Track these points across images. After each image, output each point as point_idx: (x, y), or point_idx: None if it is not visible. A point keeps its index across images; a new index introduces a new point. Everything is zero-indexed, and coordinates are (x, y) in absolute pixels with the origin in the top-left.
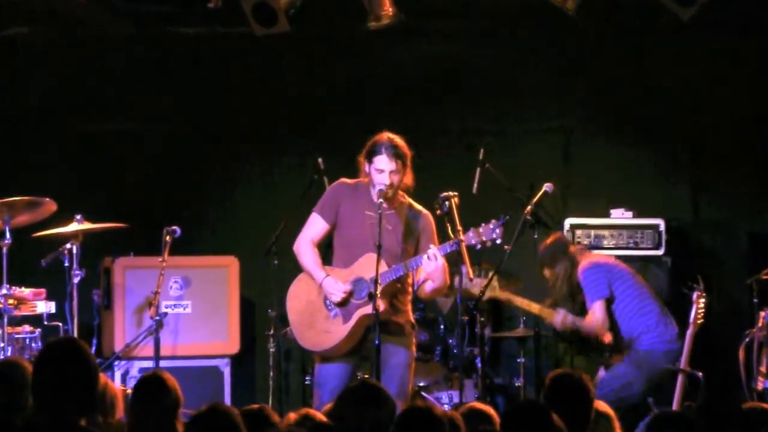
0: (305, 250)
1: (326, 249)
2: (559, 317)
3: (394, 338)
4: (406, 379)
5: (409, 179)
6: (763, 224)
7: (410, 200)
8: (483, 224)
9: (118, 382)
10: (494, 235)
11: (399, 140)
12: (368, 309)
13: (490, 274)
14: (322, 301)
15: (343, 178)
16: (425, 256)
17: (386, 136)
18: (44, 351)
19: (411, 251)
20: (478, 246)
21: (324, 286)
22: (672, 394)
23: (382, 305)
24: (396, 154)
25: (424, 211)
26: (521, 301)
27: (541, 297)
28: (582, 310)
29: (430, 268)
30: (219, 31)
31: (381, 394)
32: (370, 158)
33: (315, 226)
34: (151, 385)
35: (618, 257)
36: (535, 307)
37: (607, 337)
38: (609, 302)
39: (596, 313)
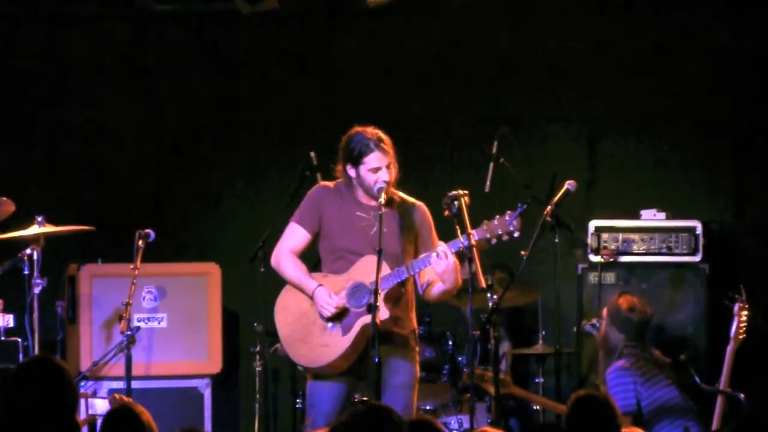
0: (287, 262)
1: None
2: None
3: (397, 352)
4: (411, 402)
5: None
6: None
7: (400, 194)
8: (497, 216)
9: (83, 407)
10: (511, 228)
11: (377, 130)
12: (377, 317)
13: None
14: (317, 311)
15: (322, 182)
16: (434, 255)
17: (361, 130)
18: (18, 372)
19: (411, 251)
20: (494, 241)
21: (315, 298)
22: (711, 417)
23: (386, 313)
24: (387, 147)
25: (418, 203)
26: (543, 401)
27: (563, 310)
28: None
29: (441, 267)
30: (198, 9)
31: (392, 417)
32: (358, 160)
33: (294, 237)
34: (121, 421)
35: (649, 264)
36: (559, 408)
37: None
38: (635, 416)
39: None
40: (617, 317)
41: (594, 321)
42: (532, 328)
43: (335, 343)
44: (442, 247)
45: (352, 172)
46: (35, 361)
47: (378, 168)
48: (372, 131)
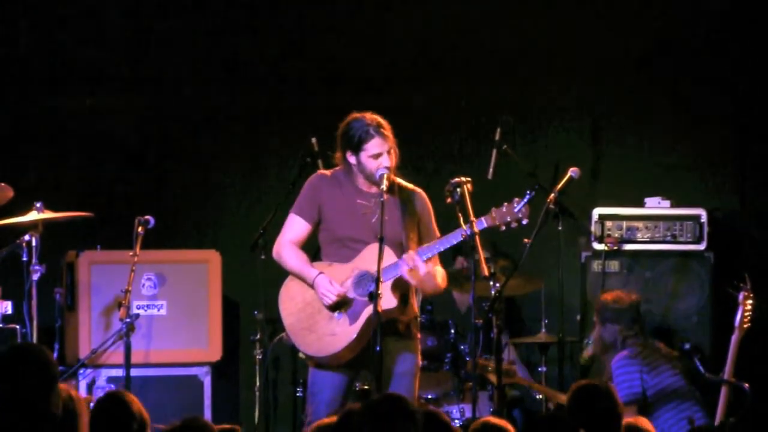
0: (287, 252)
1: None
2: None
3: (401, 342)
4: (413, 389)
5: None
6: None
7: (400, 180)
8: (505, 203)
9: (84, 394)
10: (520, 215)
11: (376, 115)
12: (381, 305)
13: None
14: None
15: (320, 170)
16: (404, 266)
17: (360, 116)
18: None
19: (415, 237)
20: (502, 228)
21: (316, 286)
22: (715, 406)
23: (393, 301)
24: (386, 131)
25: (417, 189)
26: (545, 390)
27: (567, 298)
28: None
29: (414, 280)
30: None
31: (407, 406)
32: (358, 147)
33: (294, 228)
34: (110, 411)
35: (654, 252)
36: (561, 398)
37: None
38: (641, 404)
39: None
40: (606, 312)
41: (587, 339)
42: (522, 318)
43: (343, 332)
44: (410, 253)
45: (352, 159)
46: (15, 348)
47: (379, 154)
48: (371, 116)
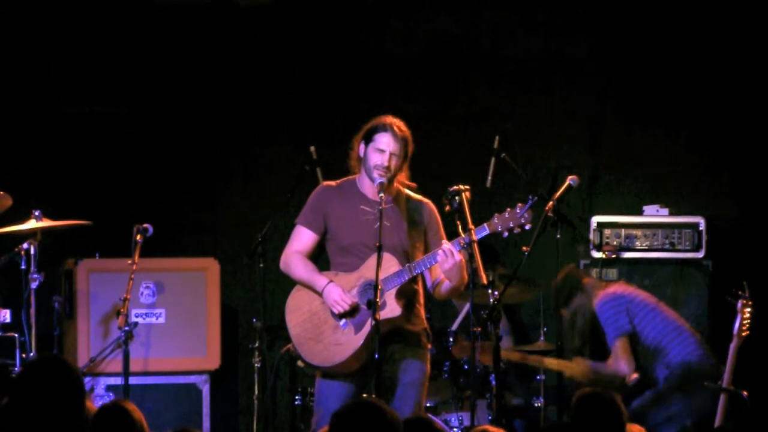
0: (295, 262)
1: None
2: (581, 368)
3: (408, 351)
4: (421, 399)
5: (405, 174)
6: None
7: (407, 191)
8: (508, 209)
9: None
10: (522, 220)
11: (404, 126)
12: (384, 314)
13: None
14: (328, 310)
15: (325, 181)
16: (440, 252)
17: (391, 118)
18: (26, 371)
19: (421, 247)
20: (505, 234)
21: (326, 294)
22: (713, 415)
23: (397, 309)
24: (401, 137)
25: (425, 200)
26: (535, 359)
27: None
28: (596, 352)
29: (448, 265)
30: (197, 1)
31: (380, 412)
32: (370, 137)
33: (301, 239)
34: (111, 420)
35: (652, 260)
36: (552, 363)
37: (633, 377)
38: (632, 338)
39: (619, 352)
40: (560, 296)
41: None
42: (531, 324)
43: (348, 342)
44: (446, 245)
45: (362, 149)
46: (44, 360)
47: (383, 151)
48: (398, 121)
